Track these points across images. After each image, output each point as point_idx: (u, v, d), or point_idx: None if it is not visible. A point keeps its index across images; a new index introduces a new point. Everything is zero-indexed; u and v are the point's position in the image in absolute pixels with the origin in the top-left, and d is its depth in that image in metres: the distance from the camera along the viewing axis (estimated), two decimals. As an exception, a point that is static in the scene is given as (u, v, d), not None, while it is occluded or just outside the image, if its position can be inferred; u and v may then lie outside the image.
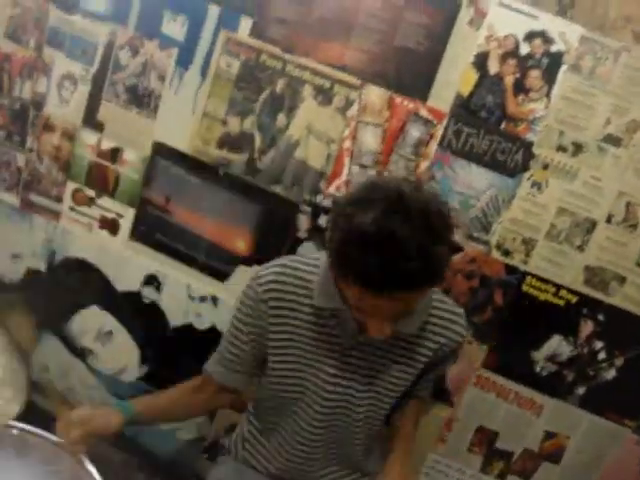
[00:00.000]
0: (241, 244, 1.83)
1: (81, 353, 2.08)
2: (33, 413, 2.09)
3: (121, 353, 2.04)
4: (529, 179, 1.64)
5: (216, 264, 1.88)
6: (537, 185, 1.64)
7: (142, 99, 1.84)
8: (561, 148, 1.61)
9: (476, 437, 1.86)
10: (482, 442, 1.86)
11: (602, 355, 1.72)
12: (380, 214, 1.07)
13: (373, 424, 1.50)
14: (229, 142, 1.78)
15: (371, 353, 1.40)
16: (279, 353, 1.42)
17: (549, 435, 1.82)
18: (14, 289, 2.10)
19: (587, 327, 1.70)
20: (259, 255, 1.80)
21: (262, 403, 1.56)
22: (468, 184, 1.66)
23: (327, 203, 1.75)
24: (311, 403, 1.45)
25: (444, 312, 1.42)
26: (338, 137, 1.71)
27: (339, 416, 1.46)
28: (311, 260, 1.41)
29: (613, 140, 1.58)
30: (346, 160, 1.71)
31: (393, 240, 1.05)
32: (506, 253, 1.69)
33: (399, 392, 1.47)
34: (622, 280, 1.66)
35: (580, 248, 1.65)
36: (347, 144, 1.70)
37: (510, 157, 1.63)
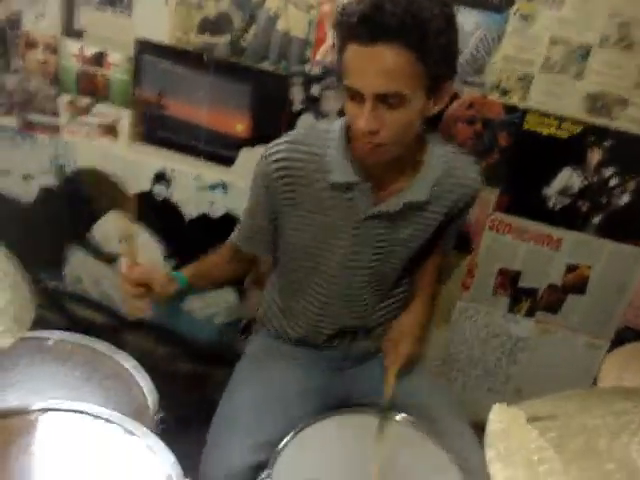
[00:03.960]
0: (240, 127, 1.82)
1: (109, 259, 2.13)
2: (73, 322, 2.21)
3: (145, 251, 2.05)
4: (516, 13, 1.59)
5: (219, 150, 1.88)
6: (526, 17, 1.60)
7: (115, -2, 1.80)
8: (546, -26, 1.55)
9: (499, 280, 1.90)
10: (506, 283, 1.90)
11: (613, 181, 1.73)
12: None
13: (387, 280, 1.55)
14: (209, 26, 1.74)
15: (384, 224, 1.42)
16: (293, 227, 1.45)
17: (571, 268, 1.85)
18: (32, 209, 2.13)
19: (595, 155, 1.70)
20: (259, 135, 1.80)
21: (281, 274, 1.61)
22: (455, 27, 1.62)
23: (317, 71, 1.73)
24: (326, 269, 1.49)
25: (455, 167, 1.43)
26: (316, 2, 1.66)
27: (352, 277, 1.50)
28: (322, 133, 1.40)
29: (598, -42, 1.52)
30: (328, 24, 1.67)
31: None
32: (504, 92, 1.67)
33: (413, 251, 1.51)
34: (624, 103, 1.64)
35: (578, 76, 1.63)
36: (326, 7, 1.65)
37: (494, -8, 1.58)
